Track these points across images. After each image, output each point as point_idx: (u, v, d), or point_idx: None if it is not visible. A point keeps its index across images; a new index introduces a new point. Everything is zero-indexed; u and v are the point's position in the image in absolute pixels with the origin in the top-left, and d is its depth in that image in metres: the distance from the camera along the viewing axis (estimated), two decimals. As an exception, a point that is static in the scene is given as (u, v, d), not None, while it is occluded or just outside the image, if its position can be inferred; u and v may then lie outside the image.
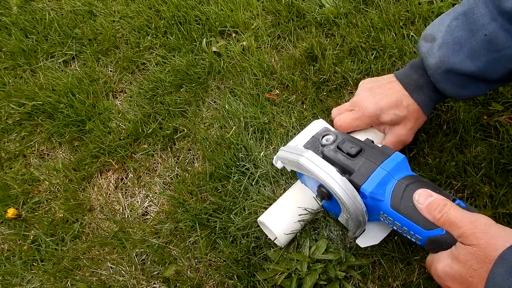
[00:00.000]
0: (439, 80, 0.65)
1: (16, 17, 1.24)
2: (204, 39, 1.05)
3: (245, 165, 0.85)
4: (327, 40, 0.99)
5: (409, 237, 0.56)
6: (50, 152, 1.02)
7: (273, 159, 0.76)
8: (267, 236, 0.76)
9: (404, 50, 0.92)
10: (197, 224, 0.81)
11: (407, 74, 0.70)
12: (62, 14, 1.23)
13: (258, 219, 0.73)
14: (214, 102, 0.98)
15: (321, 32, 1.00)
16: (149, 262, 0.81)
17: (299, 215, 0.72)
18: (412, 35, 0.94)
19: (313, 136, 0.71)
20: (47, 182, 0.96)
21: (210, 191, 0.84)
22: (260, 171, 0.82)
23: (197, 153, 0.92)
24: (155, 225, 0.85)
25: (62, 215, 0.91)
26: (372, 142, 0.65)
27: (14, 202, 0.94)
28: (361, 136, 0.71)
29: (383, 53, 0.93)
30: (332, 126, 0.75)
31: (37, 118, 1.05)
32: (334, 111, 0.77)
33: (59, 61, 1.14)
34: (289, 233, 0.72)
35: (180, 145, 0.94)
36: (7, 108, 1.08)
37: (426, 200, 0.52)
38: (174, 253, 0.81)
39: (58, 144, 1.01)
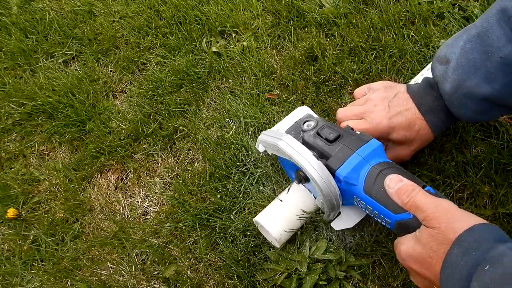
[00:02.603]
0: (455, 105, 0.63)
1: (16, 17, 1.24)
2: (204, 39, 1.05)
3: (245, 165, 0.85)
4: (327, 40, 0.99)
5: (379, 220, 0.57)
6: (50, 152, 1.02)
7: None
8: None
9: (404, 50, 0.92)
10: (197, 224, 0.81)
11: (421, 94, 0.68)
12: (62, 14, 1.23)
13: (254, 219, 0.74)
14: (214, 102, 0.98)
15: (321, 32, 1.00)
16: (149, 262, 0.81)
17: (299, 216, 0.72)
18: (412, 35, 0.94)
19: (295, 122, 0.73)
20: (47, 182, 0.96)
21: (210, 191, 0.84)
22: (260, 171, 0.82)
23: (197, 153, 0.92)
24: (155, 225, 0.85)
25: (62, 215, 0.91)
26: (352, 129, 0.66)
27: (14, 202, 0.94)
28: None
29: (383, 53, 0.93)
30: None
31: (37, 118, 1.05)
32: (341, 113, 0.72)
33: (59, 61, 1.14)
34: (286, 233, 0.72)
35: (180, 145, 0.94)
36: (7, 108, 1.08)
37: (396, 185, 0.54)
38: (174, 253, 0.81)
39: (58, 144, 1.01)
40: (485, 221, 0.46)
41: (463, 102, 0.62)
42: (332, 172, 0.60)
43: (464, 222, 0.45)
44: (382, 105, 0.68)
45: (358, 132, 0.65)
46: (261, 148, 0.76)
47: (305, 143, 0.65)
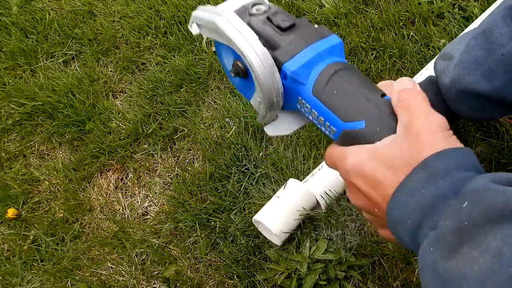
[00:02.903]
0: (453, 100, 0.63)
1: (16, 17, 1.24)
2: (204, 39, 1.05)
3: (245, 165, 0.85)
4: (327, 40, 0.99)
5: (323, 128, 0.49)
6: (50, 152, 1.02)
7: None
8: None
9: (404, 50, 0.92)
10: (197, 224, 0.81)
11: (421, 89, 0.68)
12: (62, 14, 1.23)
13: (253, 218, 0.74)
14: (214, 102, 0.98)
15: (321, 32, 1.00)
16: (149, 262, 0.81)
17: (298, 211, 0.72)
18: (412, 35, 0.94)
19: (242, 5, 0.58)
20: (47, 182, 0.96)
21: (210, 191, 0.84)
22: (260, 171, 0.82)
23: (197, 153, 0.92)
24: (155, 225, 0.85)
25: (62, 215, 0.91)
26: (309, 21, 0.54)
27: (14, 202, 0.94)
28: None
29: (383, 53, 0.93)
30: None
31: (37, 118, 1.05)
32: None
33: (59, 61, 1.14)
34: (286, 229, 0.72)
35: (180, 145, 0.94)
36: (7, 108, 1.08)
37: (408, 84, 0.45)
38: (174, 253, 0.81)
39: (58, 144, 1.01)
40: (460, 146, 0.37)
41: (460, 98, 0.61)
42: (279, 65, 0.50)
43: (442, 145, 0.36)
44: None
45: (316, 26, 0.54)
46: (194, 29, 0.59)
47: (251, 28, 0.53)
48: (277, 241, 0.74)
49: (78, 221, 0.89)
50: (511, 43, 0.56)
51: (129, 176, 0.93)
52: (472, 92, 0.60)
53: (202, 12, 0.56)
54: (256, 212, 0.78)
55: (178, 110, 0.97)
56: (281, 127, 0.57)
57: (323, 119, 0.49)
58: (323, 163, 0.79)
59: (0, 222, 0.93)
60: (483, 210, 0.30)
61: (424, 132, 0.37)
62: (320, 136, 0.83)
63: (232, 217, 0.80)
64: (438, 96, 0.65)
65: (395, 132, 0.40)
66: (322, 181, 0.76)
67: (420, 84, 0.69)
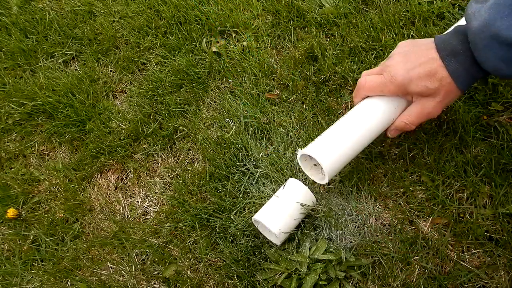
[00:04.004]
0: (479, 46, 0.56)
1: (16, 17, 1.24)
2: (204, 39, 1.05)
3: (245, 165, 0.85)
4: (327, 40, 0.99)
5: None
6: (50, 152, 1.02)
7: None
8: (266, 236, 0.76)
9: (404, 50, 0.92)
10: (197, 224, 0.81)
11: (446, 39, 0.61)
12: (62, 14, 1.23)
13: (253, 218, 0.74)
14: (214, 102, 0.98)
15: (321, 32, 1.00)
16: (149, 262, 0.81)
17: (298, 211, 0.72)
18: (412, 35, 0.94)
19: None
20: (47, 182, 0.96)
21: (210, 191, 0.84)
22: (260, 171, 0.82)
23: (197, 153, 0.92)
24: (155, 225, 0.85)
25: (62, 215, 0.91)
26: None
27: (14, 202, 0.94)
28: (384, 101, 0.68)
29: (383, 53, 0.93)
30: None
31: (37, 118, 1.05)
32: (363, 73, 0.70)
33: (59, 61, 1.14)
34: (285, 228, 0.72)
35: (180, 145, 0.94)
36: (7, 108, 1.08)
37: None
38: (174, 253, 0.81)
39: (58, 144, 1.01)
40: None
41: (488, 45, 0.55)
42: None
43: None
44: (401, 59, 0.64)
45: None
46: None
47: None
48: (277, 241, 0.74)
49: (78, 221, 0.89)
50: None
51: (129, 176, 0.94)
52: (502, 39, 0.53)
53: None
54: (256, 212, 0.78)
55: (178, 110, 0.97)
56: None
57: None
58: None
59: (0, 222, 0.93)
60: None
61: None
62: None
63: (232, 217, 0.80)
64: (465, 44, 0.59)
65: None
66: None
67: (446, 34, 0.65)
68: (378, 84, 0.66)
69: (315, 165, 0.71)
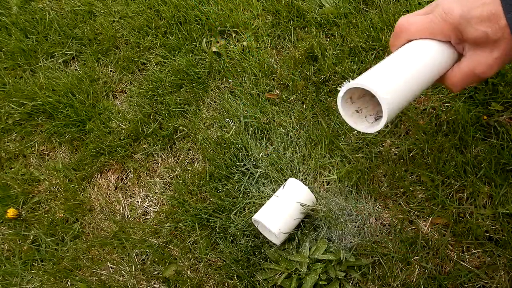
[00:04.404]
0: None
1: (16, 17, 1.24)
2: (204, 39, 1.05)
3: (245, 165, 0.85)
4: (327, 40, 0.99)
5: None
6: (50, 152, 1.02)
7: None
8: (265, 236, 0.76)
9: (404, 50, 0.92)
10: (197, 224, 0.81)
11: None
12: (62, 14, 1.23)
13: (253, 218, 0.74)
14: (214, 102, 0.98)
15: (321, 32, 1.00)
16: (149, 262, 0.81)
17: (297, 211, 0.72)
18: (412, 35, 0.94)
19: None
20: (47, 182, 0.96)
21: (210, 191, 0.84)
22: (260, 171, 0.82)
23: (197, 153, 0.92)
24: (155, 225, 0.85)
25: (62, 215, 0.91)
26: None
27: (14, 202, 0.94)
28: (429, 46, 0.55)
29: (383, 53, 0.93)
30: None
31: (37, 118, 1.05)
32: (403, 16, 0.57)
33: (59, 61, 1.14)
34: (285, 228, 0.72)
35: (180, 145, 0.94)
36: (7, 108, 1.08)
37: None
38: (174, 253, 0.81)
39: (58, 144, 1.01)
40: None
41: None
42: None
43: None
44: None
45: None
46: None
47: None
48: (277, 241, 0.74)
49: (78, 221, 0.89)
50: None
51: (129, 176, 0.94)
52: None
53: None
54: (256, 212, 0.78)
55: (178, 110, 0.97)
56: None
57: None
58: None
59: (0, 222, 0.93)
60: None
61: None
62: (320, 136, 0.83)
63: (232, 217, 0.80)
64: None
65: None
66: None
67: None
68: (427, 24, 0.54)
69: (358, 111, 0.56)
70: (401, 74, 0.53)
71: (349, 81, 0.50)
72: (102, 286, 0.80)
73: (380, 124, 0.51)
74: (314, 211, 0.75)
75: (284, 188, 0.75)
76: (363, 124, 0.55)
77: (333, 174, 0.80)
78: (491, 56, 0.52)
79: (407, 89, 0.52)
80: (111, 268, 0.83)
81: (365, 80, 0.50)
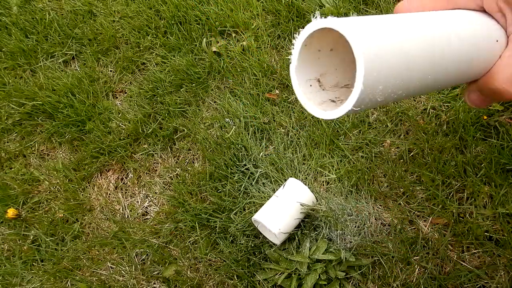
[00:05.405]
0: None
1: (16, 17, 1.24)
2: (204, 39, 1.05)
3: (245, 165, 0.85)
4: (327, 40, 0.99)
5: None
6: (50, 152, 1.02)
7: None
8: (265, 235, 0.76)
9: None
10: (197, 224, 0.81)
11: None
12: (62, 14, 1.23)
13: (252, 218, 0.74)
14: (214, 102, 0.98)
15: (321, 32, 1.00)
16: (149, 262, 0.81)
17: (297, 211, 0.72)
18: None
19: None
20: (47, 182, 0.96)
21: (210, 191, 0.84)
22: (260, 171, 0.82)
23: (197, 153, 0.92)
24: (155, 225, 0.85)
25: (62, 215, 0.91)
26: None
27: (14, 202, 0.94)
28: (463, 13, 0.29)
29: (383, 53, 0.93)
30: None
31: (37, 118, 1.05)
32: None
33: (59, 61, 1.14)
34: (285, 228, 0.72)
35: (180, 145, 0.94)
36: (7, 108, 1.08)
37: None
38: (174, 253, 0.81)
39: (58, 144, 1.01)
40: None
41: None
42: None
43: None
44: None
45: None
46: None
47: None
48: (276, 241, 0.74)
49: (78, 221, 0.89)
50: None
51: (129, 176, 0.93)
52: None
53: None
54: (256, 212, 0.78)
55: (178, 110, 0.97)
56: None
57: None
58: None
59: (0, 222, 0.93)
60: None
61: None
62: (321, 136, 0.83)
63: (232, 217, 0.79)
64: None
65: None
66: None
67: None
68: None
69: (321, 85, 0.30)
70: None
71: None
72: (102, 286, 0.80)
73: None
74: (314, 211, 0.75)
75: (284, 188, 0.75)
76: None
77: (333, 174, 0.80)
78: None
79: (412, 61, 0.27)
80: (111, 268, 0.83)
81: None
